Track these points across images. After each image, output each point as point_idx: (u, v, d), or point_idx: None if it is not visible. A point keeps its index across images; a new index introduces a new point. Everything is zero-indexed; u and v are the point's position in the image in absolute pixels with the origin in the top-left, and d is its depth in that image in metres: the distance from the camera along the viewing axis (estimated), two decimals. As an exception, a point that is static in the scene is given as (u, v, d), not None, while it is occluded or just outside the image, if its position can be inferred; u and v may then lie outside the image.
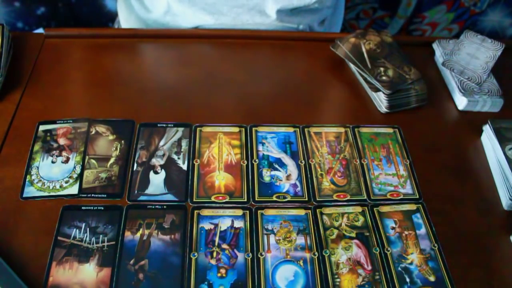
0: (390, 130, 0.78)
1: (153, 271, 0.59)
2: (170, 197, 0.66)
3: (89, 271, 0.58)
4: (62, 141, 0.71)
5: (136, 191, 0.66)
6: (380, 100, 0.80)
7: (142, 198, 0.66)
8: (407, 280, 0.61)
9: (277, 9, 0.88)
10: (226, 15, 0.90)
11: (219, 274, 0.59)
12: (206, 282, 0.58)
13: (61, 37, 0.88)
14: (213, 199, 0.66)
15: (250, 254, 0.61)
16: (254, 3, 0.88)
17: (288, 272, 0.60)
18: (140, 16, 0.96)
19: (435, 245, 0.64)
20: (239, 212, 0.65)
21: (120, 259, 0.59)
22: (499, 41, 0.84)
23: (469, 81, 0.83)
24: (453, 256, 0.64)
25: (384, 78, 0.80)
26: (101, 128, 0.73)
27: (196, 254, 0.61)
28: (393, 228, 0.66)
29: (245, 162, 0.71)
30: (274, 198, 0.67)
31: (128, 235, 0.62)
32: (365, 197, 0.69)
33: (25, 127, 0.72)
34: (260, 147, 0.73)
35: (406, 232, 0.65)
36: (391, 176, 0.72)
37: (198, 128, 0.75)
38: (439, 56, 0.90)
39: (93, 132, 0.73)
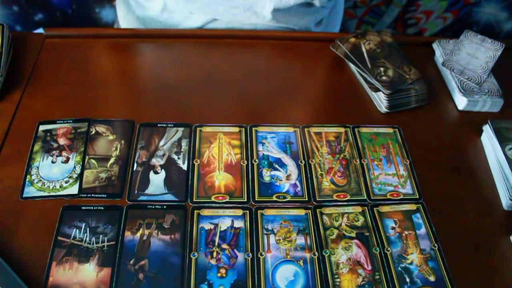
0: (390, 130, 0.78)
1: (153, 271, 0.59)
2: (170, 197, 0.66)
3: (89, 271, 0.58)
4: (62, 141, 0.71)
5: (136, 191, 0.66)
6: (380, 100, 0.80)
7: (142, 198, 0.66)
8: (407, 280, 0.61)
9: (273, 9, 0.88)
10: (222, 15, 0.90)
11: (219, 274, 0.59)
12: (206, 282, 0.58)
13: (61, 37, 0.88)
14: (213, 199, 0.66)
15: (250, 254, 0.61)
16: (251, 3, 0.87)
17: (288, 272, 0.60)
18: (137, 14, 0.96)
19: (435, 245, 0.64)
20: (239, 212, 0.65)
21: (120, 259, 0.59)
22: (499, 41, 0.84)
23: (469, 81, 0.83)
24: (453, 256, 0.64)
25: (384, 78, 0.80)
26: (101, 128, 0.73)
27: (196, 254, 0.61)
28: (393, 228, 0.66)
29: (245, 162, 0.71)
30: (274, 198, 0.67)
31: (128, 235, 0.62)
32: (365, 197, 0.69)
33: (25, 127, 0.72)
34: (260, 147, 0.73)
35: (406, 232, 0.65)
36: (391, 176, 0.72)
37: (198, 128, 0.75)
38: (439, 56, 0.90)
39: (93, 132, 0.73)
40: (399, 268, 0.62)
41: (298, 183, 0.69)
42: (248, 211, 0.65)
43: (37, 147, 0.70)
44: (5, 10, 1.26)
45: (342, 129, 0.77)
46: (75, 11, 1.29)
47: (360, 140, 0.76)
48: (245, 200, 0.67)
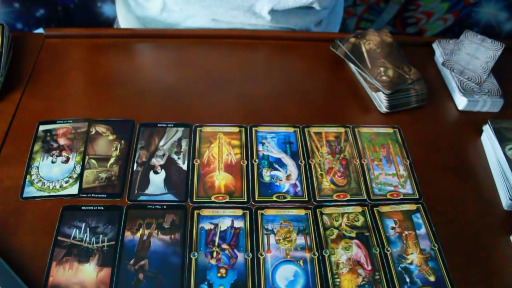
0: (390, 130, 0.78)
1: (153, 271, 0.59)
2: (170, 197, 0.66)
3: (89, 271, 0.58)
4: (62, 141, 0.71)
5: (136, 191, 0.66)
6: (380, 100, 0.80)
7: (142, 198, 0.66)
8: (407, 280, 0.61)
9: (272, 10, 0.88)
10: (222, 17, 0.90)
11: (219, 274, 0.59)
12: (206, 282, 0.58)
13: (61, 37, 0.88)
14: (213, 199, 0.66)
15: (250, 254, 0.61)
16: (250, 4, 0.88)
17: (288, 272, 0.60)
18: (137, 14, 0.96)
19: (435, 245, 0.64)
20: (239, 212, 0.65)
21: (120, 259, 0.59)
22: (499, 41, 0.84)
23: (469, 81, 0.83)
24: (453, 256, 0.64)
25: (384, 78, 0.80)
26: (101, 128, 0.73)
27: (196, 254, 0.61)
28: (393, 228, 0.66)
29: (245, 162, 0.71)
30: (274, 198, 0.67)
31: (128, 235, 0.62)
32: (365, 197, 0.69)
33: (25, 127, 0.72)
34: (260, 147, 0.73)
35: (406, 232, 0.65)
36: (391, 176, 0.72)
37: (198, 128, 0.75)
38: (439, 56, 0.90)
39: (93, 132, 0.73)
40: (399, 268, 0.62)
41: (298, 183, 0.69)
42: (248, 211, 0.65)
43: (37, 147, 0.70)
44: (6, 8, 1.26)
45: (342, 129, 0.77)
46: (77, 5, 1.29)
47: (360, 140, 0.76)
48: (245, 200, 0.67)
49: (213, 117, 0.77)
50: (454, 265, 0.63)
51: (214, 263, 0.60)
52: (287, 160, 0.72)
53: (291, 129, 0.76)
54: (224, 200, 0.66)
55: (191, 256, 0.61)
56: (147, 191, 0.67)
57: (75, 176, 0.67)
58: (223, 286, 0.58)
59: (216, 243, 0.62)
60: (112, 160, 0.70)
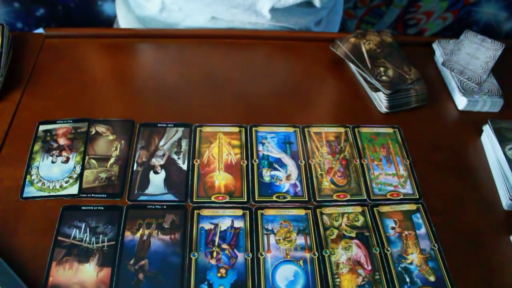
0: (390, 130, 0.78)
1: (153, 271, 0.59)
2: (170, 197, 0.66)
3: (89, 271, 0.58)
4: (62, 141, 0.71)
5: (136, 191, 0.66)
6: (380, 100, 0.80)
7: (142, 198, 0.66)
8: (407, 280, 0.61)
9: (273, 9, 0.88)
10: (222, 15, 0.90)
11: (219, 274, 0.59)
12: (206, 282, 0.58)
13: (61, 37, 0.88)
14: (213, 199, 0.66)
15: (250, 254, 0.61)
16: (250, 3, 0.88)
17: (288, 272, 0.60)
18: (136, 14, 0.96)
19: (435, 245, 0.64)
20: (239, 212, 0.65)
21: (120, 259, 0.60)
22: (499, 41, 0.84)
23: (469, 81, 0.83)
24: (453, 256, 0.64)
25: (384, 78, 0.80)
26: (101, 128, 0.73)
27: (196, 254, 0.61)
28: (393, 228, 0.66)
29: (245, 162, 0.71)
30: (274, 198, 0.67)
31: (128, 235, 0.62)
32: (365, 197, 0.69)
33: (25, 127, 0.72)
34: (260, 147, 0.73)
35: (406, 232, 0.65)
36: (391, 176, 0.72)
37: (198, 128, 0.75)
38: (439, 56, 0.90)
39: (93, 132, 0.73)
40: (399, 268, 0.62)
41: (298, 183, 0.69)
42: (248, 211, 0.65)
43: (37, 147, 0.70)
44: (6, 7, 1.26)
45: (342, 129, 0.77)
46: (78, 4, 1.29)
47: (360, 140, 0.76)
48: (245, 200, 0.67)
49: (213, 117, 0.77)
50: (454, 265, 0.63)
51: (214, 263, 0.60)
52: (287, 160, 0.72)
53: (291, 129, 0.76)
54: (224, 200, 0.66)
55: (191, 256, 0.61)
56: (147, 191, 0.67)
57: (75, 176, 0.67)
58: (223, 286, 0.58)
59: (216, 243, 0.62)
60: (112, 160, 0.70)
